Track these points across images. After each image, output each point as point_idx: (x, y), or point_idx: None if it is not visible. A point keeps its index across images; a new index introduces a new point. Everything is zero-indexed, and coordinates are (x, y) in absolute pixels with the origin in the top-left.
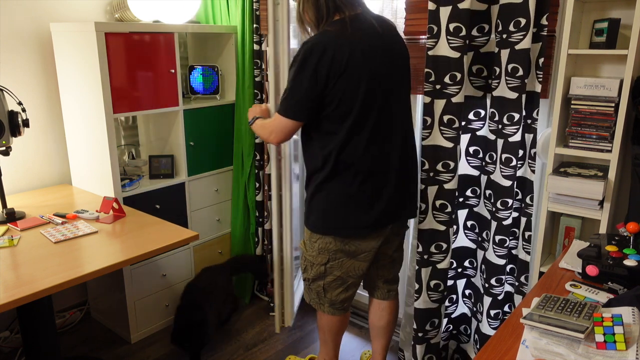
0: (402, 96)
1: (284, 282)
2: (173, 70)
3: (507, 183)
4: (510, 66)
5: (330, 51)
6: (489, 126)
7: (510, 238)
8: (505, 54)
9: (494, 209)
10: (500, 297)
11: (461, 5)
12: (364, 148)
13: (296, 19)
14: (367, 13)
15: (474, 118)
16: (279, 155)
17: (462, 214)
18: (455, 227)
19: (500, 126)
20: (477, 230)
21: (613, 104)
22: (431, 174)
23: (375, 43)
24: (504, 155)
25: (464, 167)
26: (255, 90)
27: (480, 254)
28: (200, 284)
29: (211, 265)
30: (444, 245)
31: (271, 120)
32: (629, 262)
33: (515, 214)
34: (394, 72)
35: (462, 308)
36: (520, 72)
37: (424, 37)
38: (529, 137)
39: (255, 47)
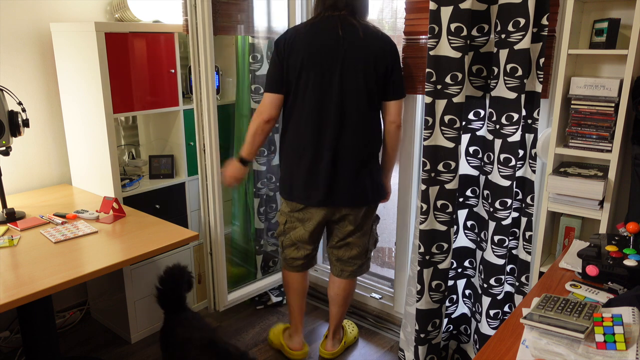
0: (358, 89)
1: (213, 266)
2: (173, 70)
3: (505, 183)
4: (509, 66)
5: (288, 41)
6: (488, 126)
7: (510, 238)
8: (504, 54)
9: (491, 209)
10: (499, 297)
11: (462, 5)
12: (301, 125)
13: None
14: (340, 17)
15: (474, 118)
16: (203, 146)
17: (462, 214)
18: (455, 227)
19: (498, 126)
20: (476, 230)
21: (613, 104)
22: (432, 174)
23: (330, 40)
24: (502, 156)
25: (464, 167)
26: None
27: (479, 254)
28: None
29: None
30: (445, 246)
31: (260, 102)
32: (629, 262)
33: (515, 214)
34: (348, 67)
35: (462, 308)
36: (520, 72)
37: (423, 37)
38: (529, 137)
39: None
